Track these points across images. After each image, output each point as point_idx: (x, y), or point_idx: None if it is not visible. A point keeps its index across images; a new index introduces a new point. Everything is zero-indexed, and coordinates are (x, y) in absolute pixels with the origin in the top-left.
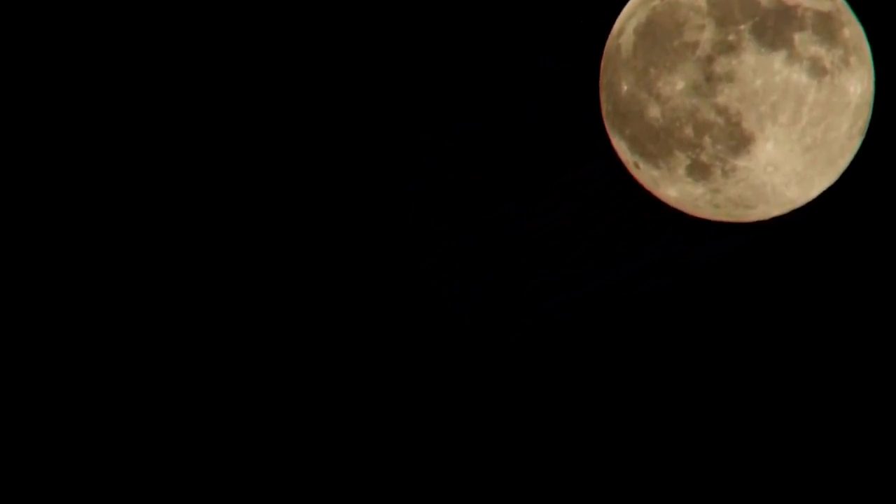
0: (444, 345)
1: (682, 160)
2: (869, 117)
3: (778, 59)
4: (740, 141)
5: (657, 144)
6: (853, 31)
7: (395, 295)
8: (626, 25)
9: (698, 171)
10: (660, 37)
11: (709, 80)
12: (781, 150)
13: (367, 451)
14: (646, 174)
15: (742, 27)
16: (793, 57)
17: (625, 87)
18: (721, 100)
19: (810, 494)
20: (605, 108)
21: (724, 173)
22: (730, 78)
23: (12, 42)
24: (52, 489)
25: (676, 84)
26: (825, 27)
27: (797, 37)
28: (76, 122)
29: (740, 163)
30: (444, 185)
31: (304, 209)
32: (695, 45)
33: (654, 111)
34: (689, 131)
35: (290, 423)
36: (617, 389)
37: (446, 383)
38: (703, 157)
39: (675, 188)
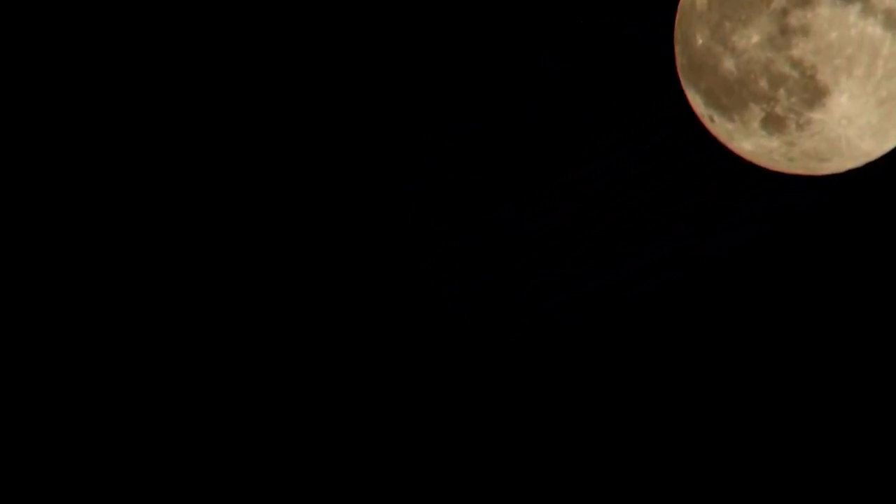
0: (444, 345)
1: (756, 113)
2: None
3: (853, 12)
4: (815, 94)
5: (732, 98)
6: None
7: (395, 295)
8: None
9: (773, 123)
10: None
11: (783, 33)
12: (856, 103)
13: (367, 451)
14: (720, 127)
15: None
16: (868, 10)
17: (699, 41)
18: (796, 53)
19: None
20: (680, 61)
21: (799, 126)
22: (805, 31)
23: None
24: (53, 489)
25: (751, 37)
26: None
27: None
28: (74, 122)
29: (815, 115)
30: (444, 185)
31: (304, 209)
32: None
33: (728, 64)
34: (763, 84)
35: (289, 423)
36: (618, 390)
37: (446, 383)
38: (778, 110)
39: (749, 141)
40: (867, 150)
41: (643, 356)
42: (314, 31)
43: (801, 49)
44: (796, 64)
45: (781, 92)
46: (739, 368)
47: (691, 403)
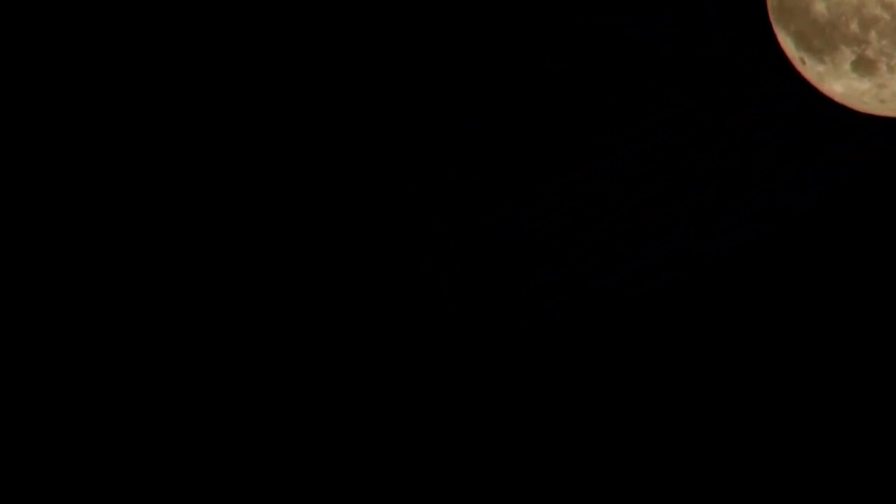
0: (444, 345)
1: (847, 55)
2: None
3: None
4: None
5: (823, 40)
6: None
7: (396, 295)
8: None
9: (864, 66)
10: None
11: None
12: None
13: (366, 451)
14: (811, 70)
15: None
16: None
17: None
18: None
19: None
20: (771, 3)
21: (890, 68)
22: None
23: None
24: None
25: None
26: None
27: None
28: (74, 123)
29: None
30: (444, 185)
31: (304, 209)
32: None
33: (819, 6)
34: (854, 26)
35: (289, 422)
36: (618, 390)
37: (446, 383)
38: (869, 53)
39: (840, 83)
40: None
41: (643, 356)
42: (314, 31)
43: None
44: (887, 6)
45: (872, 34)
46: (739, 368)
47: (691, 403)
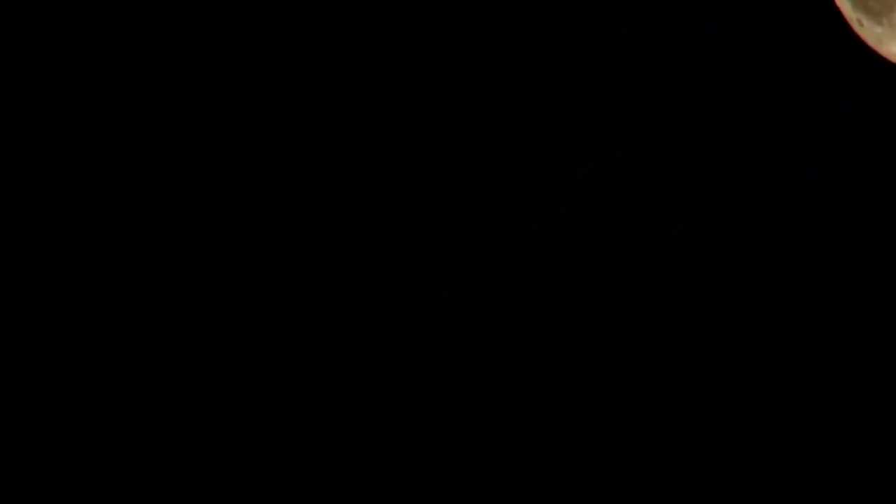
0: (444, 345)
1: None
2: None
3: None
4: None
5: (880, 1)
6: None
7: (396, 295)
8: None
9: None
10: None
11: None
12: None
13: (366, 451)
14: (869, 31)
15: None
16: None
17: None
18: None
19: None
20: None
21: None
22: None
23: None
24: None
25: None
26: None
27: None
28: (75, 122)
29: None
30: (444, 185)
31: (304, 209)
32: None
33: None
34: None
35: (288, 423)
36: (618, 390)
37: (446, 383)
38: None
39: None
40: None
41: (643, 356)
42: (314, 30)
43: None
44: None
45: None
46: (739, 369)
47: (691, 403)
